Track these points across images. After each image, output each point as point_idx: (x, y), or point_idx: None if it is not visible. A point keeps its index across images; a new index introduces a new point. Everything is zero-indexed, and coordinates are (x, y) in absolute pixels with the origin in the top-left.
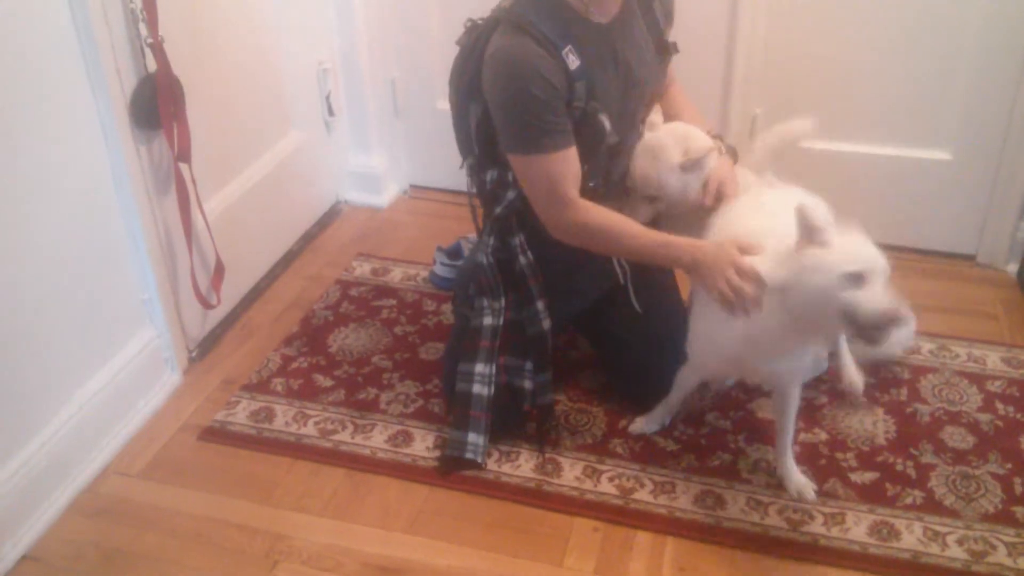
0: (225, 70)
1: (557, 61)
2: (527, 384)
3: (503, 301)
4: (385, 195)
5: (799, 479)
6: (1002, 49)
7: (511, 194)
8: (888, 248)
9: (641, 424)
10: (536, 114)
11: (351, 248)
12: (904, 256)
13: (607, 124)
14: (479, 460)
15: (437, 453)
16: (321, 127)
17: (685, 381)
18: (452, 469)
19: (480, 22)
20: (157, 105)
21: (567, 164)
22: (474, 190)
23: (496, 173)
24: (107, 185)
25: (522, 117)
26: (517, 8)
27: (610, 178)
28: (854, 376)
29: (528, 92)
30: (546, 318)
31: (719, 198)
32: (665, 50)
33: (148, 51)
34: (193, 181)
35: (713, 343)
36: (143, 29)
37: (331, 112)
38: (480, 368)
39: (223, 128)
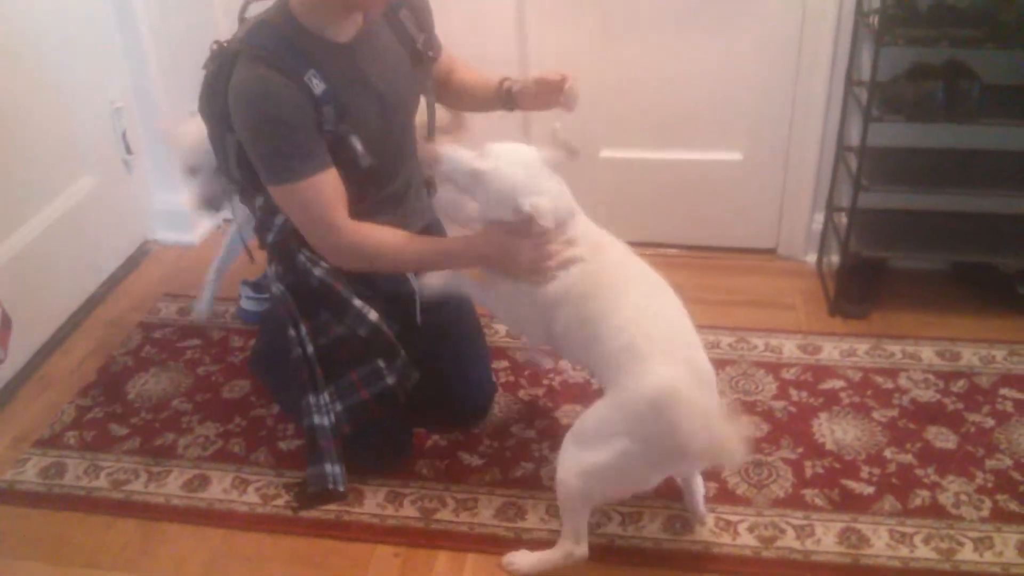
0: None
1: (300, 86)
2: (390, 380)
3: (304, 328)
4: (196, 232)
5: None
6: (778, 48)
7: (279, 219)
8: (693, 248)
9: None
10: (287, 140)
11: (159, 289)
12: (709, 255)
13: (358, 146)
14: (340, 489)
15: (234, 495)
16: (120, 167)
17: None
18: (316, 504)
19: (225, 45)
20: None
21: (328, 188)
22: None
23: (262, 199)
24: None
25: (273, 145)
26: (254, 39)
27: (372, 200)
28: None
29: (274, 119)
30: (370, 310)
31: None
32: (419, 59)
33: None
34: None
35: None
36: None
37: (129, 151)
38: (312, 399)
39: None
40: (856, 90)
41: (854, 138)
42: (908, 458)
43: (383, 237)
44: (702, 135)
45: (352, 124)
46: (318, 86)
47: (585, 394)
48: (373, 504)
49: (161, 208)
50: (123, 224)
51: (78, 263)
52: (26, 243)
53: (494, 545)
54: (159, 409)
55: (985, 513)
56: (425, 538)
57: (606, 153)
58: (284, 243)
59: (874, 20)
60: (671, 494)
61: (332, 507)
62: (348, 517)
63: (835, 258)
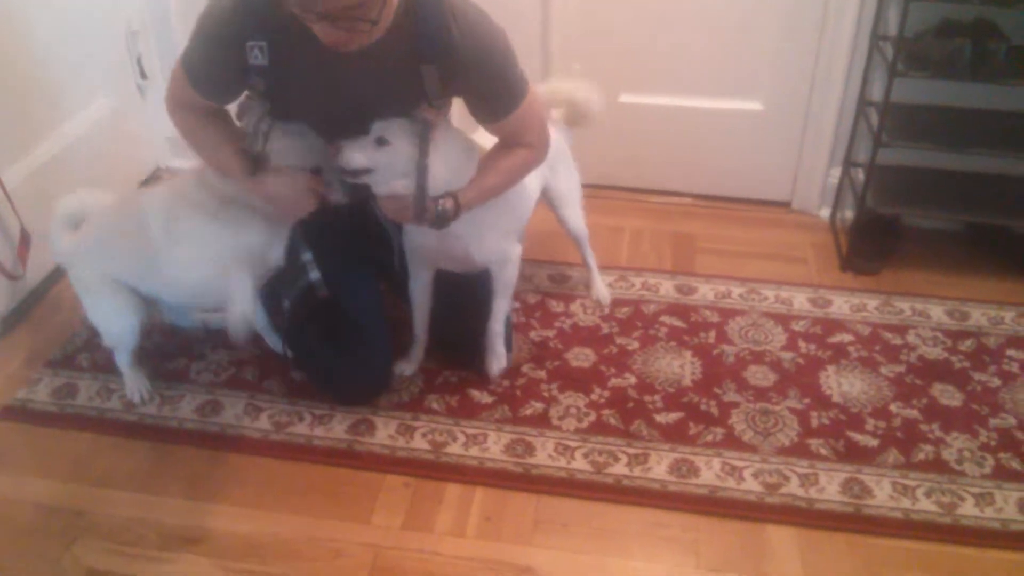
0: (15, 34)
1: (238, 49)
2: (313, 276)
3: None
4: None
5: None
6: None
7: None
8: (707, 198)
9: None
10: (201, 46)
11: None
12: (723, 206)
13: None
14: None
15: (247, 421)
16: (133, 91)
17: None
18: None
19: None
20: None
21: (182, 83)
22: None
23: None
24: None
25: (195, 33)
26: None
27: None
28: (602, 290)
29: (206, 32)
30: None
31: None
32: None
33: None
34: None
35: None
36: None
37: (143, 75)
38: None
39: (15, 93)
40: (881, 44)
41: (876, 93)
42: (913, 413)
43: (191, 134)
44: (724, 83)
45: (282, 111)
46: (256, 57)
47: (595, 337)
48: (384, 435)
49: (173, 135)
50: (136, 149)
51: (93, 185)
52: (43, 162)
53: (503, 479)
54: (173, 333)
55: (987, 470)
56: (434, 470)
57: (625, 98)
58: None
59: None
60: (678, 438)
61: (345, 436)
62: (359, 447)
63: (849, 213)
